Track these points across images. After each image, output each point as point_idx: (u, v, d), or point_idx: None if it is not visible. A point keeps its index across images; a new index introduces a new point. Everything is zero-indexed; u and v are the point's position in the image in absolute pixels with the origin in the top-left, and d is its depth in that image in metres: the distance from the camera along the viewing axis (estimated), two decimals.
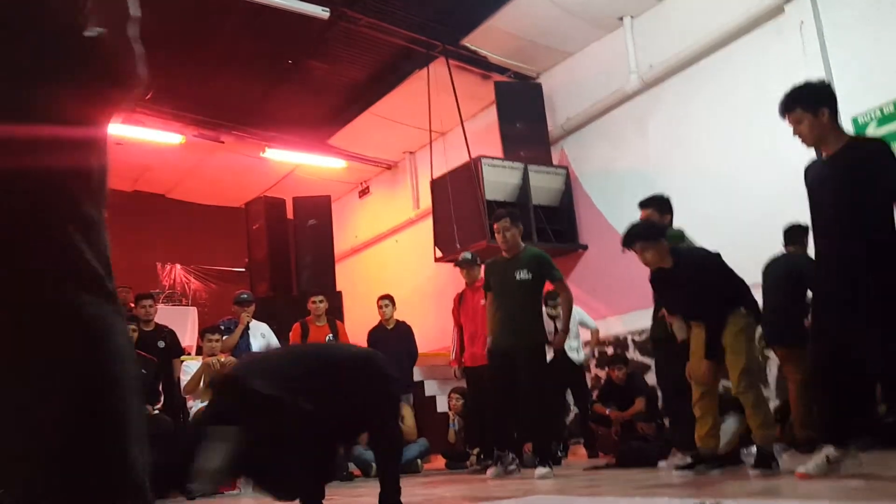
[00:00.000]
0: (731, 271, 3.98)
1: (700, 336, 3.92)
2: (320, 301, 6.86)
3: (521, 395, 4.83)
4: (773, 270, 5.01)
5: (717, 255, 4.00)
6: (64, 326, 0.92)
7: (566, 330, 5.16)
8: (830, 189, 3.25)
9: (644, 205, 4.81)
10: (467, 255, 6.48)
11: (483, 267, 5.70)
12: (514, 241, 5.06)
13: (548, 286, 5.17)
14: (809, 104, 3.24)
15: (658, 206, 4.77)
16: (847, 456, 3.09)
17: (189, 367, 6.15)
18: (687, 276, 3.93)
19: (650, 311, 4.82)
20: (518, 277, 4.95)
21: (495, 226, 5.14)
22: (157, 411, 5.73)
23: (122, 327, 0.99)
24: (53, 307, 0.92)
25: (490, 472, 5.05)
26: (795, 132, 3.30)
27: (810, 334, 3.59)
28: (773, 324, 4.73)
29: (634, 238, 4.02)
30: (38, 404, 0.89)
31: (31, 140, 0.91)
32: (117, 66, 0.98)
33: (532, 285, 4.96)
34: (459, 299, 6.55)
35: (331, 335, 6.83)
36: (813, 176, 3.40)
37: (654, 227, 4.16)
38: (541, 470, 4.53)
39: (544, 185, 7.70)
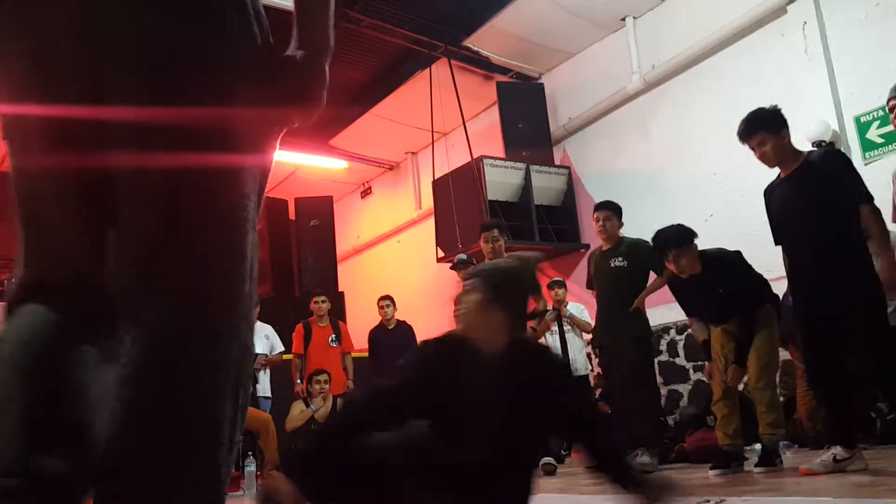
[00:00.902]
0: (753, 268, 3.97)
1: (721, 337, 3.90)
2: (323, 301, 6.87)
3: None
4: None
5: (739, 253, 3.98)
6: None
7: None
8: (797, 204, 3.35)
9: (603, 207, 4.87)
10: (462, 256, 6.50)
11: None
12: (501, 251, 5.19)
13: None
14: (772, 127, 3.39)
15: (616, 210, 4.88)
16: (854, 457, 3.11)
17: None
18: (721, 279, 3.78)
19: (651, 311, 4.84)
20: None
21: (484, 234, 5.24)
22: None
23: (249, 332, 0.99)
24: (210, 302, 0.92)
25: None
26: (759, 154, 3.44)
27: (801, 346, 3.65)
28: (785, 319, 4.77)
29: (669, 245, 3.83)
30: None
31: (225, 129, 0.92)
32: (307, 90, 0.99)
33: None
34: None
35: (333, 336, 6.84)
36: (776, 197, 3.48)
37: (686, 231, 3.90)
38: (544, 458, 4.65)
39: (546, 185, 7.71)
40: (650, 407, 4.76)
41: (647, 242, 4.70)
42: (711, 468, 3.82)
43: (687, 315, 4.25)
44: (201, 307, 0.90)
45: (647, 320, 4.74)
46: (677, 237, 3.85)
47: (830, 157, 3.43)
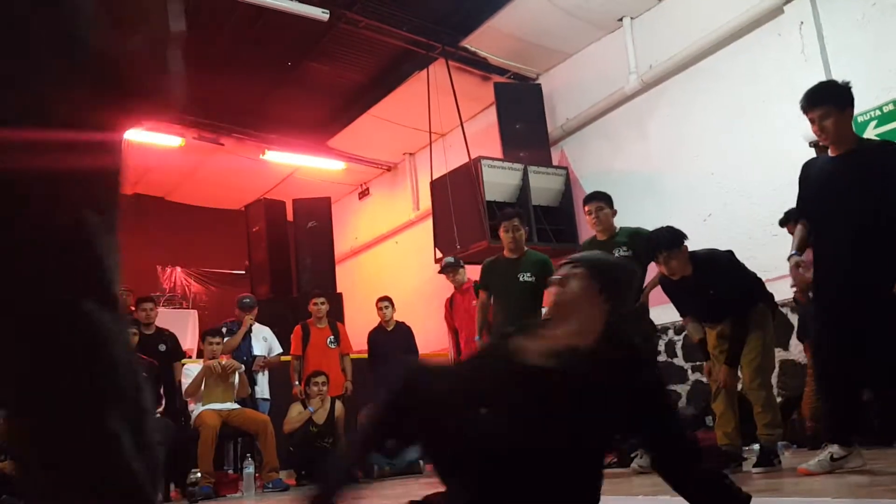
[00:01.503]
0: (745, 267, 3.96)
1: (716, 337, 3.90)
2: (321, 303, 6.86)
3: None
4: None
5: (731, 253, 3.97)
6: (61, 334, 0.87)
7: None
8: (847, 186, 3.25)
9: (594, 198, 4.75)
10: (450, 259, 6.49)
11: (481, 267, 5.67)
12: (521, 242, 5.05)
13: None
14: (839, 102, 3.27)
15: (607, 200, 4.75)
16: (851, 455, 3.11)
17: (190, 371, 6.15)
18: (712, 280, 3.75)
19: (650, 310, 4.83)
20: (522, 279, 4.94)
21: (504, 224, 5.06)
22: (157, 415, 5.72)
23: (122, 337, 0.93)
24: (52, 314, 0.86)
25: None
26: (817, 127, 3.29)
27: (814, 336, 3.62)
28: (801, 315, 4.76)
29: (660, 247, 3.80)
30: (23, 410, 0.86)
31: (36, 141, 0.88)
32: (141, 82, 0.93)
33: (535, 288, 4.93)
34: (450, 304, 6.56)
35: (331, 337, 6.84)
36: (817, 171, 3.40)
37: (676, 233, 3.85)
38: None
39: (544, 185, 7.71)
40: None
41: (646, 231, 4.49)
42: None
43: (681, 315, 4.24)
44: (55, 321, 0.86)
45: (649, 317, 4.68)
46: (668, 239, 3.81)
47: (890, 149, 3.36)
